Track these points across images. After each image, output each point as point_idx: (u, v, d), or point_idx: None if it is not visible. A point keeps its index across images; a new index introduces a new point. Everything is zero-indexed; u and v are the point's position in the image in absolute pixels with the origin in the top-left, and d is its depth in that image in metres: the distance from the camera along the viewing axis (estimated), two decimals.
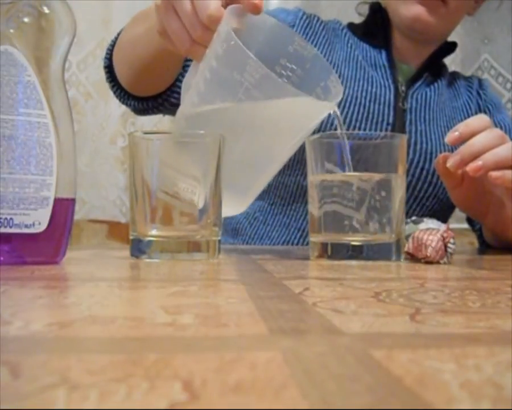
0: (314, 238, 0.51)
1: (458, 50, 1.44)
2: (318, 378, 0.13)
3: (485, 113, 0.92)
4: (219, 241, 0.49)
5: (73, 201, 0.43)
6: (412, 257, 0.48)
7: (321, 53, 0.86)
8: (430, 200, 0.84)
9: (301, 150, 0.83)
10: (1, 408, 0.11)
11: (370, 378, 0.13)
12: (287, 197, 0.86)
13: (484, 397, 0.12)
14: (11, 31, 0.40)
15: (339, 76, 0.84)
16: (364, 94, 0.84)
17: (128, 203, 0.50)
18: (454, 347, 0.16)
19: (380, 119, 0.83)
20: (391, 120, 0.84)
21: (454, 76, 0.97)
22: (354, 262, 0.47)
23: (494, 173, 0.58)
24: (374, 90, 0.85)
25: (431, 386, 0.12)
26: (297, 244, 0.85)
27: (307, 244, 0.84)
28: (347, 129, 0.82)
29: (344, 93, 0.83)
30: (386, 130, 0.83)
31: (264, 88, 0.46)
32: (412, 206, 0.83)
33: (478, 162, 0.57)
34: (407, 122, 0.85)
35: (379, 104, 0.84)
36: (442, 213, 0.87)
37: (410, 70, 0.89)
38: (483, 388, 0.12)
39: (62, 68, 0.43)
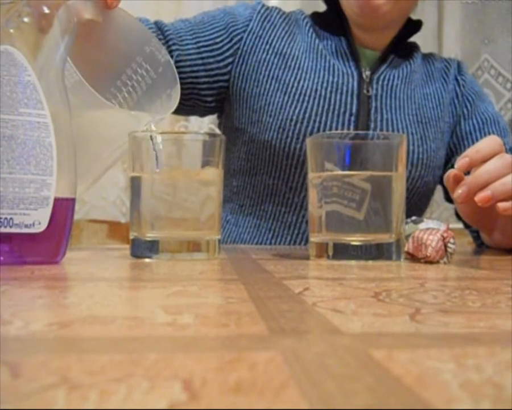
0: (314, 238, 0.51)
1: (458, 50, 1.45)
2: (318, 378, 0.13)
3: (466, 103, 0.90)
4: (219, 241, 0.49)
5: (73, 201, 0.43)
6: (412, 257, 0.48)
7: (281, 45, 0.84)
8: None
9: (264, 149, 0.83)
10: (2, 408, 0.11)
11: (370, 378, 0.13)
12: (255, 198, 0.85)
13: (484, 397, 0.12)
14: (11, 31, 0.40)
15: (299, 68, 0.83)
16: (325, 85, 0.82)
17: (128, 203, 0.50)
18: (454, 347, 0.16)
19: (342, 109, 0.81)
20: (354, 110, 0.81)
21: (430, 59, 0.92)
22: (354, 262, 0.47)
23: (503, 205, 0.57)
24: (335, 79, 0.82)
25: (431, 386, 0.12)
26: (269, 244, 0.84)
27: (278, 244, 0.84)
28: (308, 122, 0.80)
29: (303, 86, 0.82)
30: (349, 121, 0.81)
31: (79, 93, 0.48)
32: None
33: (487, 192, 0.56)
34: (372, 110, 0.82)
35: (341, 94, 0.82)
36: (415, 204, 0.85)
37: (374, 54, 0.86)
38: (483, 388, 0.12)
39: (62, 68, 0.43)
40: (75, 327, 0.18)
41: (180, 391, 0.12)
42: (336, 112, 0.81)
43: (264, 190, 0.84)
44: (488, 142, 0.59)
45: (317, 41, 0.85)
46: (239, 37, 0.84)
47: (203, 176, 0.49)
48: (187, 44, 0.81)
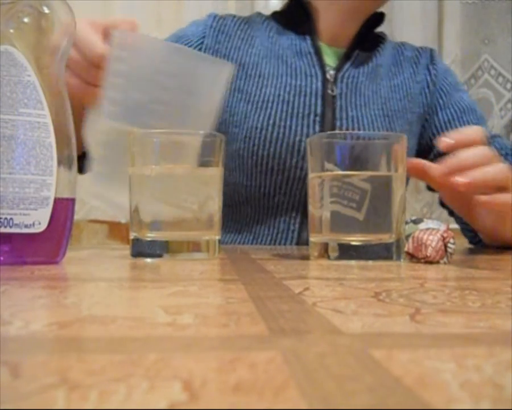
0: (314, 238, 0.51)
1: (458, 50, 1.45)
2: (318, 378, 0.13)
3: (440, 93, 0.90)
4: (219, 240, 0.49)
5: (73, 201, 0.43)
6: (412, 257, 0.48)
7: (239, 55, 0.85)
8: None
9: (233, 159, 0.82)
10: (2, 408, 0.11)
11: (370, 378, 0.13)
12: (232, 205, 0.85)
13: (484, 397, 0.12)
14: (11, 31, 0.40)
15: (260, 76, 0.83)
16: (288, 89, 0.82)
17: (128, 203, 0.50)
18: (454, 347, 0.16)
19: (306, 111, 0.81)
20: (319, 111, 0.81)
21: (400, 48, 0.92)
22: (354, 262, 0.47)
23: (483, 198, 0.57)
24: (298, 82, 0.82)
25: (431, 386, 0.12)
26: (251, 245, 0.84)
27: (259, 244, 0.83)
28: (273, 128, 0.80)
29: (265, 93, 0.82)
30: (314, 121, 0.80)
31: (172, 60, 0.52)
32: None
33: (467, 179, 0.56)
34: (337, 109, 0.82)
35: (305, 96, 0.81)
36: None
37: (338, 52, 0.86)
38: (483, 388, 0.12)
39: (62, 68, 0.43)
40: (75, 327, 0.18)
41: (180, 391, 0.12)
42: (300, 115, 0.81)
43: (239, 198, 0.84)
44: (474, 130, 0.61)
45: (278, 44, 0.85)
46: None
47: (203, 176, 0.49)
48: None
